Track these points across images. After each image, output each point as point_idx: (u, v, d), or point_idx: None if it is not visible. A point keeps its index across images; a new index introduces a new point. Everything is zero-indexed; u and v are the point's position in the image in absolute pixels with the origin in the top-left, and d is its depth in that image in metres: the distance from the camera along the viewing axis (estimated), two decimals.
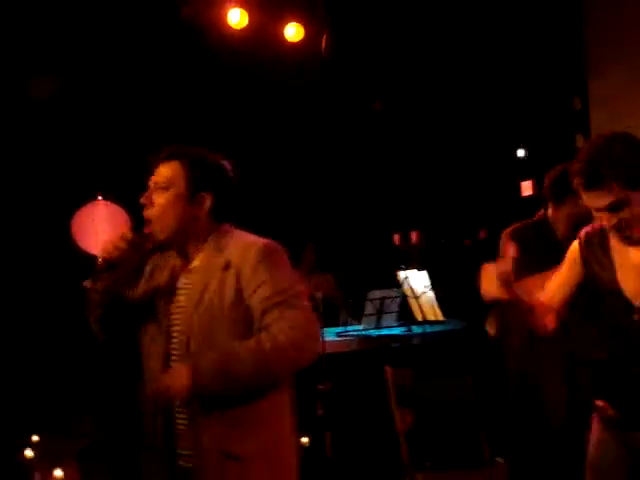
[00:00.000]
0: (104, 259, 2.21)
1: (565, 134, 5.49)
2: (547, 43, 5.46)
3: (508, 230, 3.52)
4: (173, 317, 2.23)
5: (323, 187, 6.68)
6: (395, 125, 6.51)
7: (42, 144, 5.68)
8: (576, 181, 2.15)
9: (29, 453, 4.56)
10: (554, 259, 2.85)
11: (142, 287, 2.33)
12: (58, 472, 4.34)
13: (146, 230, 2.25)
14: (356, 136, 6.60)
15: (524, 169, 5.74)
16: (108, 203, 5.36)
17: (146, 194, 2.26)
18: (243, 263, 2.16)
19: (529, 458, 3.53)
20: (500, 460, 3.90)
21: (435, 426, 4.10)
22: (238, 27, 5.41)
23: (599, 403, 2.30)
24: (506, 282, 2.18)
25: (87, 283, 2.25)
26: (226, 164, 2.33)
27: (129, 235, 2.22)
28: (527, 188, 5.68)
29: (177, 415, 2.20)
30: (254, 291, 2.14)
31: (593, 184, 2.11)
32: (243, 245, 2.21)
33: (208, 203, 2.25)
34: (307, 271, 5.64)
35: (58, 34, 5.28)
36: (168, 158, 2.27)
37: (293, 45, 5.68)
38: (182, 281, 2.26)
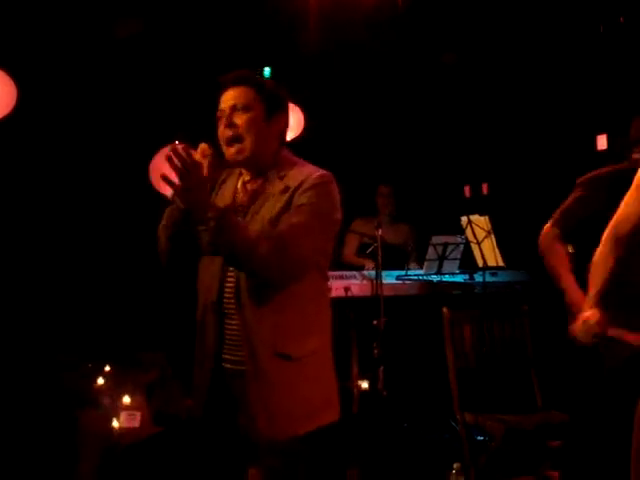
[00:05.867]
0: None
1: None
2: None
3: (590, 175, 3.42)
4: None
5: (399, 139, 6.67)
6: (470, 78, 6.43)
7: (126, 89, 5.83)
8: None
9: (101, 381, 4.81)
10: None
11: None
12: (126, 399, 4.56)
13: (231, 148, 2.34)
14: (433, 90, 6.55)
15: (600, 122, 5.59)
16: (184, 147, 5.46)
17: (228, 115, 2.34)
18: (298, 188, 2.30)
19: (588, 412, 3.50)
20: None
21: (488, 369, 4.11)
22: None
23: None
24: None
25: (170, 196, 2.33)
26: (283, 88, 2.44)
27: (208, 150, 2.32)
28: (602, 142, 5.55)
29: (227, 322, 2.33)
30: (296, 205, 2.29)
31: None
32: (303, 173, 2.34)
33: (282, 125, 2.40)
34: (386, 214, 5.69)
35: None
36: (240, 83, 2.37)
37: None
38: (243, 200, 2.40)
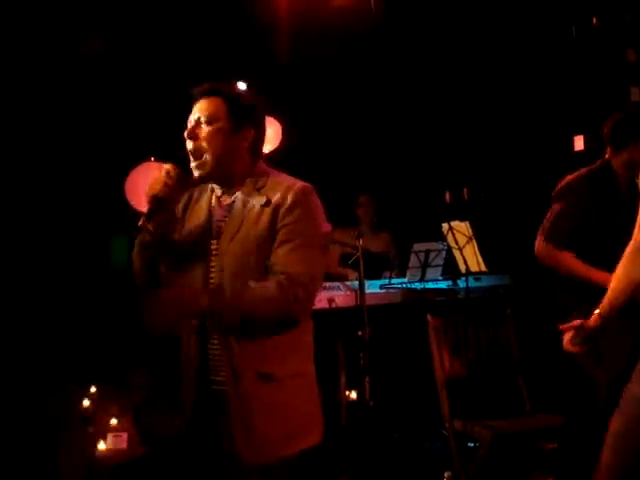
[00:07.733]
0: (152, 196, 2.27)
1: (619, 87, 5.36)
2: None
3: (567, 181, 3.45)
4: (212, 250, 2.31)
5: (379, 147, 6.66)
6: (449, 84, 6.43)
7: (102, 106, 5.79)
8: None
9: (87, 403, 4.76)
10: (618, 207, 2.83)
11: (179, 226, 2.40)
12: (113, 420, 4.51)
13: (192, 162, 2.31)
14: (411, 97, 6.55)
15: (577, 123, 5.61)
16: (159, 164, 5.44)
17: (190, 128, 2.31)
18: (282, 203, 2.25)
19: (578, 416, 3.48)
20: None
21: (475, 375, 4.09)
22: None
23: None
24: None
25: (141, 222, 2.28)
26: (260, 100, 2.41)
27: (174, 171, 2.28)
28: (580, 143, 5.56)
29: (211, 342, 2.29)
30: (283, 226, 2.24)
31: None
32: (283, 186, 2.29)
33: (250, 138, 2.34)
34: (367, 223, 5.70)
35: None
36: (209, 94, 2.33)
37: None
38: (220, 215, 2.35)
